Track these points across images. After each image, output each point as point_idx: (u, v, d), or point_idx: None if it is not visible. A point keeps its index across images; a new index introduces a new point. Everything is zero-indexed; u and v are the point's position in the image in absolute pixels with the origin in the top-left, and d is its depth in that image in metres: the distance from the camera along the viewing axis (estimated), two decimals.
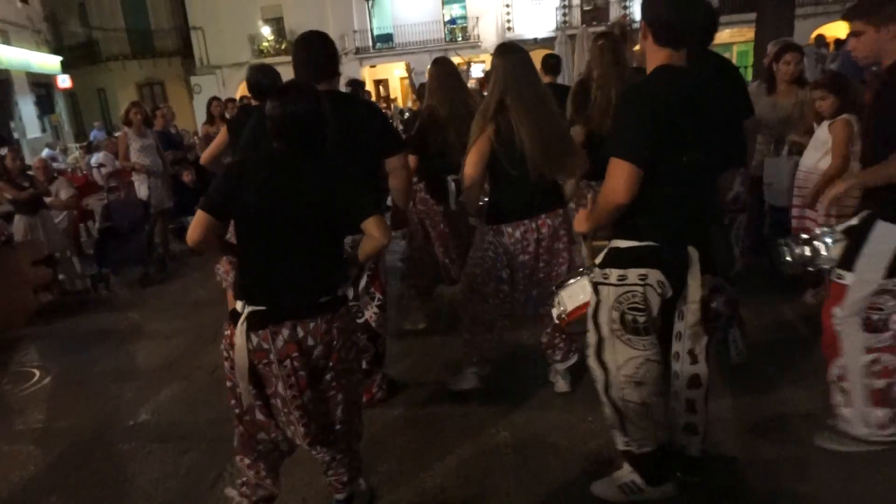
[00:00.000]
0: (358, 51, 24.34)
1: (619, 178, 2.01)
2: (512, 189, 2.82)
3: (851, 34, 2.40)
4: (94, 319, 5.08)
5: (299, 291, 2.04)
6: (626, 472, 2.36)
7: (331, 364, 2.08)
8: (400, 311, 4.25)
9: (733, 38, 20.83)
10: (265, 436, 2.15)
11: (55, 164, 9.65)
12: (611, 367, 2.24)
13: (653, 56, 2.12)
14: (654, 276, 2.12)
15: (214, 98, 7.94)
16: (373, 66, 24.13)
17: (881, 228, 2.31)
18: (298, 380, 2.02)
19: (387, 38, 24.69)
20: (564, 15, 21.45)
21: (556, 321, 2.54)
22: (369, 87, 21.17)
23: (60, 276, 5.78)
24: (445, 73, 3.64)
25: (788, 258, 2.57)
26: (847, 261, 2.40)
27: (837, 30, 15.60)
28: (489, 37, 22.05)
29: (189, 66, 26.35)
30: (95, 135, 14.85)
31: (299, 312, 2.02)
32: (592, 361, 2.30)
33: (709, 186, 2.22)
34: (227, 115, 7.67)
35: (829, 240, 2.48)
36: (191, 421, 3.31)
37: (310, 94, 2.08)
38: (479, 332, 3.14)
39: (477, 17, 22.65)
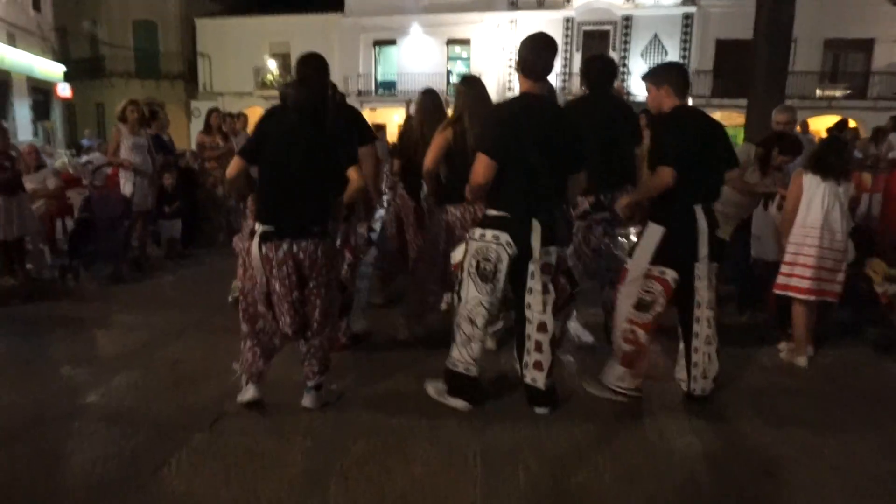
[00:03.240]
0: (360, 93, 24.82)
1: (479, 165, 2.89)
2: (459, 179, 3.28)
3: (648, 90, 3.28)
4: (56, 307, 4.85)
5: (297, 219, 2.86)
6: (440, 383, 3.16)
7: (314, 275, 2.90)
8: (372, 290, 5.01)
9: (723, 121, 21.48)
10: (263, 324, 2.98)
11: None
12: (462, 300, 3.04)
13: (521, 85, 3.04)
14: (504, 237, 2.95)
15: (214, 109, 7.93)
16: (373, 109, 24.52)
17: (650, 227, 3.20)
18: (290, 282, 2.87)
19: (390, 85, 25.24)
20: (564, 81, 22.16)
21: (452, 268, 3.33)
22: None
23: (28, 265, 5.57)
24: (431, 101, 4.42)
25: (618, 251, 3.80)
26: (630, 251, 3.35)
27: (821, 123, 16.29)
28: (490, 94, 22.61)
29: (191, 91, 26.63)
30: (87, 142, 14.75)
31: (295, 234, 2.85)
32: (456, 294, 3.11)
33: (553, 181, 3.00)
34: (224, 129, 7.68)
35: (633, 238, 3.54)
36: (143, 408, 3.11)
37: (318, 85, 3.12)
38: (420, 293, 3.99)
39: (480, 73, 23.33)
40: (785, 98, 10.01)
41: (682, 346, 3.31)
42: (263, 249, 2.83)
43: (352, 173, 2.95)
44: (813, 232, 3.79)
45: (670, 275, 3.12)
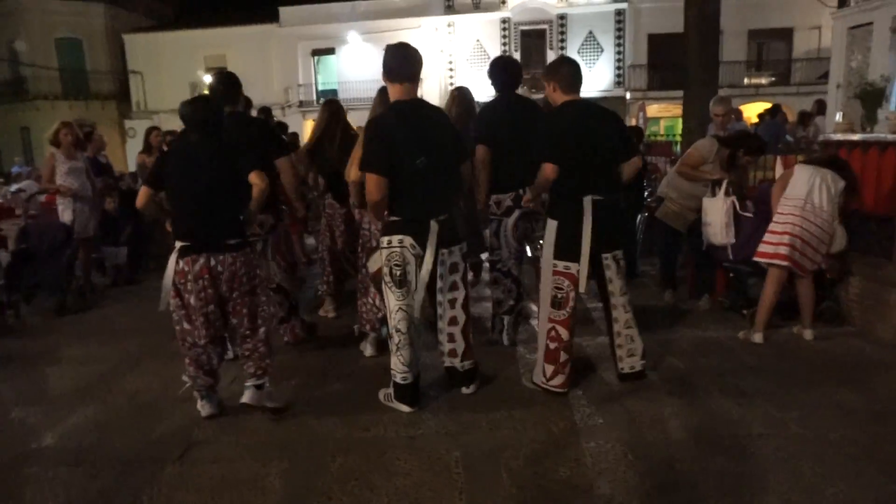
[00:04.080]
0: (301, 104, 24.45)
1: (371, 184, 2.97)
2: None
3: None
4: None
5: (211, 234, 2.99)
6: (388, 389, 3.26)
7: (235, 286, 3.03)
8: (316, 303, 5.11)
9: (661, 113, 22.31)
10: (192, 340, 3.05)
11: None
12: (388, 311, 3.16)
13: (391, 93, 3.12)
14: (407, 240, 3.03)
15: (154, 128, 7.67)
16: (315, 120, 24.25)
17: (549, 223, 3.33)
18: (206, 295, 2.98)
19: (331, 94, 24.94)
20: None
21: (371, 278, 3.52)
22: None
23: None
24: (330, 110, 4.61)
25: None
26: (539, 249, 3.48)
27: (751, 110, 17.03)
28: (432, 98, 22.69)
29: (124, 110, 25.64)
30: (17, 169, 14.00)
31: (212, 248, 2.97)
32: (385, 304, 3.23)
33: (443, 179, 3.10)
34: (165, 147, 7.43)
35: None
36: (105, 445, 2.95)
37: (204, 103, 3.20)
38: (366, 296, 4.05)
39: (422, 78, 23.36)
40: (718, 88, 10.47)
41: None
42: (181, 264, 2.96)
43: (253, 178, 3.04)
44: (797, 203, 3.93)
45: (574, 268, 3.22)
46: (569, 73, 3.32)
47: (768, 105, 11.76)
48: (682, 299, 5.07)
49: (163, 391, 3.54)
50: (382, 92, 3.74)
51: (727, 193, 4.44)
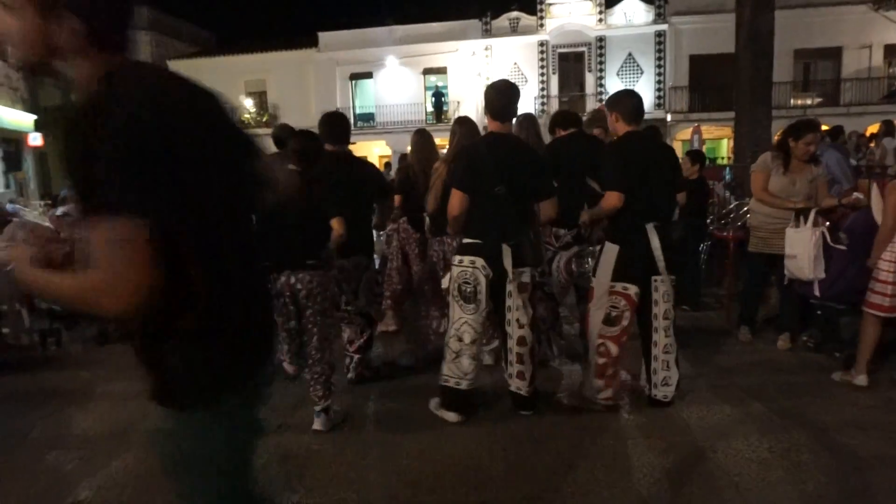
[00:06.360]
0: None
1: (454, 199, 3.25)
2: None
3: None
4: (38, 378, 4.42)
5: (292, 254, 3.17)
6: (437, 400, 3.44)
7: (310, 304, 3.19)
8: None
9: (703, 136, 21.75)
10: None
11: (16, 219, 9.00)
12: (450, 320, 3.36)
13: (489, 125, 3.38)
14: (479, 261, 3.25)
15: None
16: (353, 144, 24.32)
17: (607, 246, 3.44)
18: (288, 312, 3.26)
19: (369, 118, 25.10)
20: (543, 104, 22.22)
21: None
22: None
23: (4, 330, 5.13)
24: (421, 140, 4.75)
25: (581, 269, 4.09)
26: (594, 270, 3.52)
27: None
28: (479, 129, 22.55)
29: None
30: (66, 192, 14.24)
31: (293, 266, 3.17)
32: (446, 317, 3.55)
33: (518, 208, 3.27)
34: None
35: (590, 258, 3.91)
36: (145, 501, 2.71)
37: (309, 136, 3.41)
38: (424, 317, 4.57)
39: (458, 102, 23.32)
40: (771, 108, 10.03)
41: (644, 354, 3.53)
42: None
43: (334, 223, 3.26)
44: None
45: (632, 290, 3.36)
46: (631, 104, 3.44)
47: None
48: (760, 337, 4.66)
49: None
50: (463, 123, 4.08)
51: (816, 224, 4.04)
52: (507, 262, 3.22)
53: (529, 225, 3.43)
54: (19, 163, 19.37)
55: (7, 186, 17.97)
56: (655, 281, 3.37)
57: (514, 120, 4.50)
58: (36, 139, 19.04)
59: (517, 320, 3.32)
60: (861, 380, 3.66)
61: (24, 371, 4.55)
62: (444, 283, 3.56)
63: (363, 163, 4.38)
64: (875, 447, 2.94)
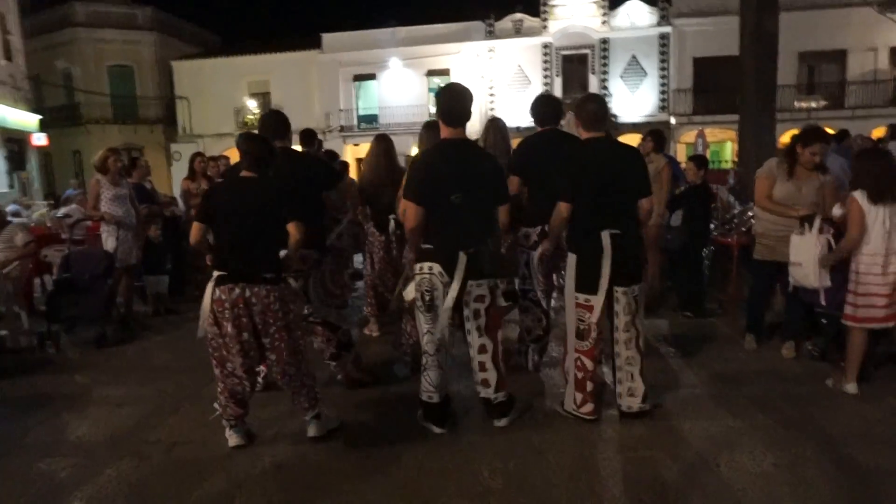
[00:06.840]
0: (342, 129, 24.63)
1: (409, 211, 3.18)
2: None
3: None
4: (34, 382, 4.37)
5: (248, 265, 3.05)
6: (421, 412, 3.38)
7: (271, 321, 3.05)
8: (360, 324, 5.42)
9: (707, 138, 21.65)
10: (230, 368, 3.11)
11: (17, 219, 8.96)
12: (420, 333, 3.31)
13: (443, 132, 3.26)
14: (436, 268, 3.18)
15: (198, 154, 7.57)
16: (356, 145, 24.31)
17: (569, 257, 3.40)
18: (241, 324, 3.03)
19: (371, 119, 25.09)
20: None
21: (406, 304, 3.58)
22: (351, 163, 21.18)
23: (2, 332, 5.10)
24: (382, 146, 4.93)
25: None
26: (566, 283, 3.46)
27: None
28: (472, 124, 22.50)
29: (170, 134, 26.25)
30: (69, 192, 14.24)
31: (248, 279, 3.02)
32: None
33: (475, 215, 3.20)
34: (210, 173, 7.32)
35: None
36: None
37: (262, 141, 3.30)
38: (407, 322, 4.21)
39: None
40: (775, 111, 9.96)
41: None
42: (217, 292, 3.02)
43: (291, 228, 3.11)
44: (877, 260, 3.54)
45: (595, 301, 3.28)
46: (591, 110, 3.38)
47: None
48: (764, 344, 4.61)
49: (203, 444, 3.25)
50: (429, 127, 3.96)
51: (821, 231, 3.97)
52: (459, 272, 3.13)
53: (490, 233, 3.34)
54: (23, 162, 19.37)
55: (11, 186, 17.97)
56: (616, 292, 3.30)
57: (484, 124, 4.51)
58: (40, 139, 19.05)
59: (477, 328, 3.26)
60: (851, 388, 3.66)
61: (19, 375, 4.51)
62: (409, 294, 3.42)
63: (306, 156, 4.51)
64: (881, 460, 2.88)
